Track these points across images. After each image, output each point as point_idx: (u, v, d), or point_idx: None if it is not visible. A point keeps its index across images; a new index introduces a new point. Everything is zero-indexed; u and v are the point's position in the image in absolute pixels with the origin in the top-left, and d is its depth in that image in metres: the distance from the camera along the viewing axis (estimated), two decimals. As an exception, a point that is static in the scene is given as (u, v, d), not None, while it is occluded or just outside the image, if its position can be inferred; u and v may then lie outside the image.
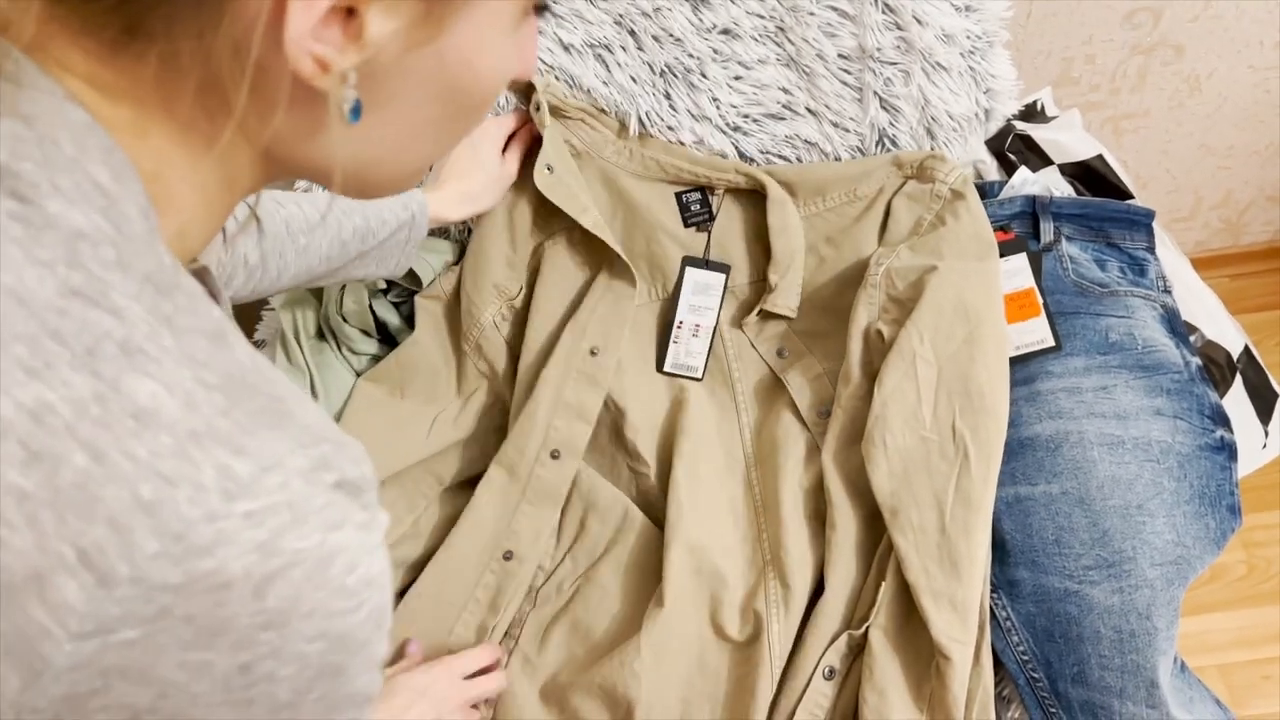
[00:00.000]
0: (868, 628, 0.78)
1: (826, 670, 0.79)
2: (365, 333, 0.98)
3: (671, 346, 0.95)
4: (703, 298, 0.96)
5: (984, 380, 0.83)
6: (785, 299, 0.93)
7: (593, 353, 0.91)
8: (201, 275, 0.45)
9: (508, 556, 0.87)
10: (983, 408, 0.82)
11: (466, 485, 0.92)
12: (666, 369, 0.95)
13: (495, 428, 0.93)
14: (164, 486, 0.30)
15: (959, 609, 0.76)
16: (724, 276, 0.96)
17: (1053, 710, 0.79)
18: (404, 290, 1.00)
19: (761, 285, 0.95)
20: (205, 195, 0.39)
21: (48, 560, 0.29)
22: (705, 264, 0.97)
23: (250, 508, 0.31)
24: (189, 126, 0.37)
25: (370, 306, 0.97)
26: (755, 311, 0.94)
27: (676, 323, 0.96)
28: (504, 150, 0.95)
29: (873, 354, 0.88)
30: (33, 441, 0.29)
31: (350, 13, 0.35)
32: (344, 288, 0.96)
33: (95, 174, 0.33)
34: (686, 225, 0.97)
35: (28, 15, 0.33)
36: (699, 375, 0.94)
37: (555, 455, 0.89)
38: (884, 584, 0.79)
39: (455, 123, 0.43)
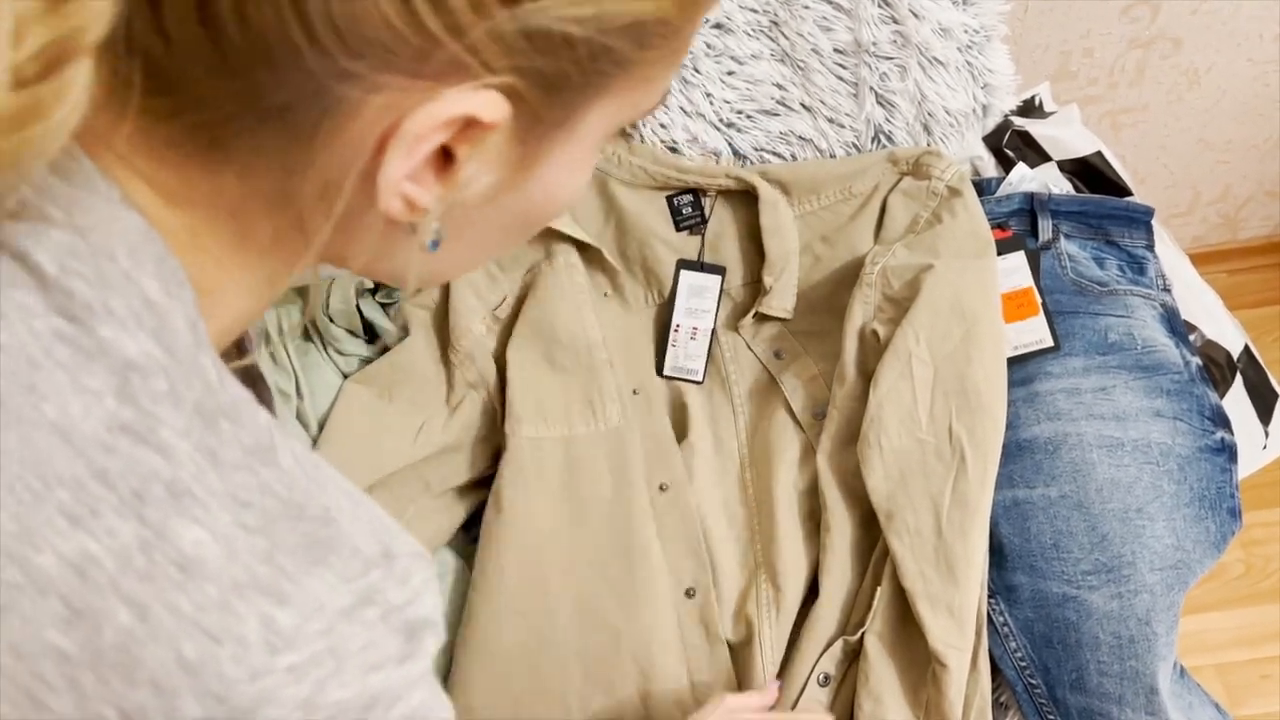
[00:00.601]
0: (863, 633, 0.77)
1: (821, 676, 0.78)
2: (352, 333, 0.96)
3: (670, 350, 0.94)
4: (699, 300, 0.95)
5: (981, 381, 0.82)
6: (780, 300, 0.92)
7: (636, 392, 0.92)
8: (249, 372, 0.45)
9: None
10: (980, 409, 0.81)
11: (452, 492, 0.91)
12: (666, 373, 0.94)
13: (483, 438, 0.92)
14: (208, 644, 0.29)
15: (955, 614, 0.75)
16: (719, 279, 0.95)
17: (1051, 717, 0.78)
18: (392, 291, 0.98)
19: (756, 287, 0.94)
20: (253, 295, 0.38)
21: None
22: (700, 266, 0.95)
23: (293, 661, 0.30)
24: (249, 236, 0.36)
25: (357, 307, 0.96)
26: (751, 314, 0.93)
27: (674, 326, 0.94)
28: None
29: (868, 354, 0.87)
30: (75, 599, 0.28)
31: (446, 154, 0.34)
32: (330, 287, 0.95)
33: (146, 288, 0.31)
34: (678, 229, 0.96)
35: (117, 133, 0.32)
36: (699, 378, 0.93)
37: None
38: (880, 589, 0.78)
39: (525, 232, 0.43)
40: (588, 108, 0.35)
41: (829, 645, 0.78)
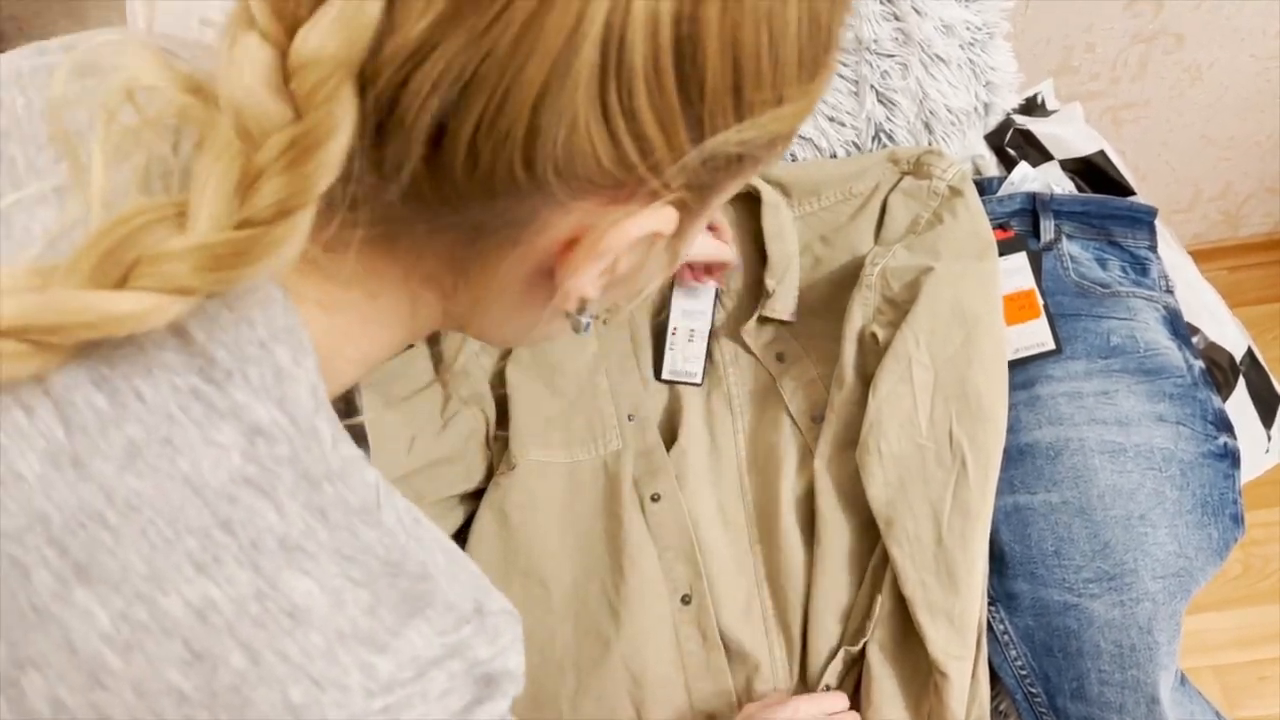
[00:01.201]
0: (865, 643, 0.76)
1: (820, 686, 0.77)
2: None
3: (668, 354, 0.93)
4: (694, 302, 0.93)
5: (982, 385, 0.81)
6: (783, 304, 0.90)
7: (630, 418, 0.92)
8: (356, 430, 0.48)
9: None
10: (981, 413, 0.80)
11: (442, 503, 0.90)
12: (665, 377, 0.93)
13: (475, 453, 0.91)
14: (312, 689, 0.31)
15: (956, 623, 0.74)
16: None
17: (1051, 726, 0.77)
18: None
19: (758, 290, 0.93)
20: (373, 359, 0.40)
21: None
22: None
23: (387, 703, 0.32)
24: (386, 312, 0.38)
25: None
26: (754, 318, 0.91)
27: (670, 329, 0.93)
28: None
29: (867, 357, 0.86)
30: (196, 642, 0.30)
31: None
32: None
33: (279, 357, 0.34)
34: (677, 235, 0.95)
35: (342, 264, 0.35)
36: (699, 380, 0.92)
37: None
38: (880, 597, 0.77)
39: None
40: (721, 196, 0.41)
41: (831, 657, 0.77)
